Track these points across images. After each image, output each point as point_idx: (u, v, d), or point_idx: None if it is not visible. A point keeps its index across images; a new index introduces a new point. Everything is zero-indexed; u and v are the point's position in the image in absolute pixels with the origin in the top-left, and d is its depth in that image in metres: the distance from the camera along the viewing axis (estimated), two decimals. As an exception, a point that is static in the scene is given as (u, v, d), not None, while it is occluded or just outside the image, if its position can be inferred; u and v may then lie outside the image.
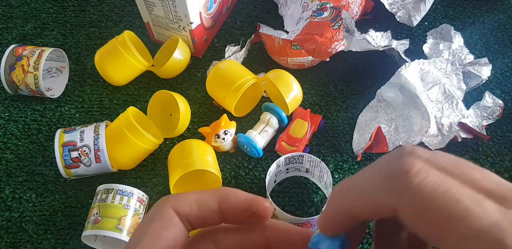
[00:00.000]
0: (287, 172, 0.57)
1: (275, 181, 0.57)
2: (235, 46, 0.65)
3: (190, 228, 0.21)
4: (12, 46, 0.63)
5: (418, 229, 0.15)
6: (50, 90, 0.65)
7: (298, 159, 0.55)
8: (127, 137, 0.54)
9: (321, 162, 0.53)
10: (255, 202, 0.20)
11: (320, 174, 0.55)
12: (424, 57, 0.63)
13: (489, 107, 0.61)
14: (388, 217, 0.17)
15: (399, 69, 0.58)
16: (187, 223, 0.20)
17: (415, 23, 0.69)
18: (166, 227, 0.19)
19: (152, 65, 0.67)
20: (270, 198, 0.53)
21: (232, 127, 0.57)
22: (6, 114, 0.64)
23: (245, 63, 0.68)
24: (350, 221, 0.18)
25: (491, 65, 0.62)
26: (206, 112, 0.64)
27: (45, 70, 0.66)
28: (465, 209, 0.14)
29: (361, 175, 0.18)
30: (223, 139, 0.56)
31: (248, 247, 0.21)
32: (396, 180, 0.16)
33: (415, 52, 0.68)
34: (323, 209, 0.20)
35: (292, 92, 0.59)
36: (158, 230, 0.19)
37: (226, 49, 0.65)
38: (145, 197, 0.53)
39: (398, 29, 0.73)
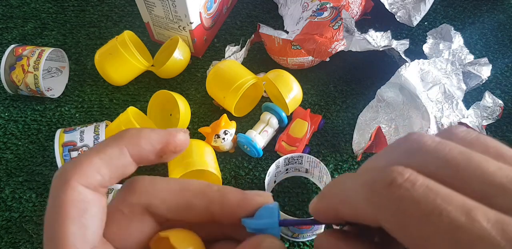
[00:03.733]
0: (287, 172, 0.57)
1: (274, 181, 0.57)
2: (235, 46, 0.65)
3: (108, 183, 0.18)
4: (12, 46, 0.63)
5: (402, 242, 0.14)
6: (50, 90, 0.65)
7: (297, 159, 0.55)
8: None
9: (321, 162, 0.53)
10: (169, 142, 0.19)
11: (320, 174, 0.55)
12: (424, 57, 0.63)
13: (489, 107, 0.61)
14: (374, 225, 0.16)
15: (399, 69, 0.58)
16: (101, 188, 0.18)
17: (415, 23, 0.69)
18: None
19: (152, 65, 0.67)
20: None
21: (232, 127, 0.57)
22: (6, 114, 0.64)
23: (245, 63, 0.68)
24: (339, 219, 0.17)
25: (491, 65, 0.62)
26: (206, 112, 0.64)
27: (45, 70, 0.66)
28: (449, 221, 0.13)
29: (348, 179, 0.17)
30: (223, 139, 0.56)
31: (187, 217, 0.19)
32: (377, 192, 0.15)
33: (415, 52, 0.68)
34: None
35: (292, 92, 0.59)
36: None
37: (226, 49, 0.65)
38: (145, 197, 0.53)
39: (398, 29, 0.73)
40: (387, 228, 0.15)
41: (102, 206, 0.18)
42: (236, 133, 0.58)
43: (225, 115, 0.57)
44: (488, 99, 0.61)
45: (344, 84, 0.67)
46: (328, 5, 0.64)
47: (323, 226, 0.52)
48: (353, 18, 0.63)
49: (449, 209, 0.13)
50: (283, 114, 0.59)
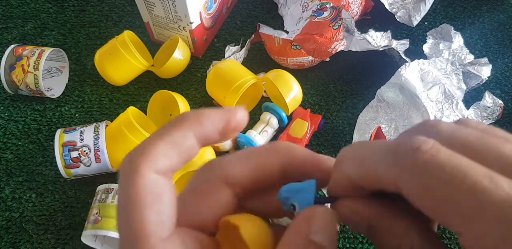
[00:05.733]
0: (287, 172, 0.57)
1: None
2: (235, 46, 0.65)
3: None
4: (12, 46, 0.63)
5: (422, 206, 0.14)
6: (50, 90, 0.65)
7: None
8: (127, 137, 0.54)
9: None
10: (230, 119, 0.19)
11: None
12: (424, 57, 0.63)
13: (489, 107, 0.61)
14: (390, 191, 0.16)
15: (399, 69, 0.58)
16: (170, 173, 0.18)
17: (415, 23, 0.69)
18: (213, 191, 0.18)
19: (152, 65, 0.67)
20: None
21: (232, 127, 0.57)
22: (6, 114, 0.64)
23: (245, 63, 0.68)
24: (354, 188, 0.17)
25: (491, 65, 0.62)
26: (206, 112, 0.64)
27: (45, 70, 0.66)
28: (473, 183, 0.13)
29: (369, 145, 0.17)
30: (223, 139, 0.56)
31: (263, 179, 0.19)
32: (401, 155, 0.15)
33: (415, 52, 0.68)
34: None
35: (292, 92, 0.59)
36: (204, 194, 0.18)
37: (226, 49, 0.65)
38: (145, 197, 0.53)
39: (398, 29, 0.73)
40: (407, 191, 0.15)
41: (173, 191, 0.18)
42: (236, 133, 0.58)
43: (225, 115, 0.57)
44: (488, 99, 0.61)
45: (344, 84, 0.67)
46: (328, 5, 0.64)
47: None
48: (353, 18, 0.63)
49: (473, 173, 0.13)
50: (283, 114, 0.59)
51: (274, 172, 0.19)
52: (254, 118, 0.63)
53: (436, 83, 0.59)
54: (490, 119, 0.61)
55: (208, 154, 0.55)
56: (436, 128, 0.16)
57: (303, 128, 0.59)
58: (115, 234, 0.48)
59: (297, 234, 0.17)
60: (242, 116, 0.19)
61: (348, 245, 0.52)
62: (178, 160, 0.18)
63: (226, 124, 0.19)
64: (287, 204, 0.18)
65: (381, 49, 0.61)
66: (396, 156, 0.15)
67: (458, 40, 0.64)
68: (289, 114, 0.60)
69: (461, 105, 0.59)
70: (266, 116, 0.59)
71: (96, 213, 0.50)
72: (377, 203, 0.18)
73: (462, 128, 0.15)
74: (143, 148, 0.17)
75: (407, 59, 0.60)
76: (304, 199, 0.18)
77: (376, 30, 0.63)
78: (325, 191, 0.19)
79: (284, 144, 0.19)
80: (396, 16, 0.69)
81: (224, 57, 0.65)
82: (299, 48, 0.62)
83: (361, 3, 0.69)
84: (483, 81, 0.62)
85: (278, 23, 0.74)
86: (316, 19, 0.63)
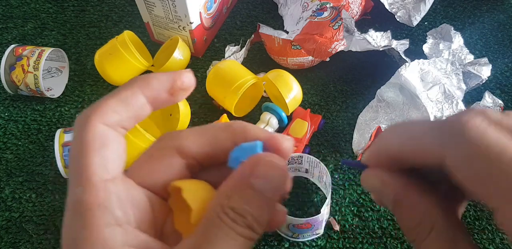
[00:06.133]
0: (287, 172, 0.57)
1: (275, 181, 0.57)
2: (235, 46, 0.65)
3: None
4: (12, 46, 0.63)
5: (464, 178, 0.15)
6: (50, 90, 0.65)
7: (297, 159, 0.55)
8: (126, 137, 0.54)
9: (320, 162, 0.53)
10: (176, 79, 0.20)
11: (320, 174, 0.55)
12: (424, 57, 0.63)
13: (489, 107, 0.61)
14: (432, 165, 0.16)
15: (399, 69, 0.58)
16: (120, 128, 0.20)
17: (415, 23, 0.69)
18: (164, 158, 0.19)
19: (152, 65, 0.67)
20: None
21: (232, 127, 0.57)
22: (6, 114, 0.64)
23: (245, 63, 0.68)
24: (390, 160, 0.18)
25: (491, 65, 0.62)
26: (206, 112, 0.64)
27: (45, 70, 0.66)
28: None
29: (417, 121, 0.17)
30: (223, 139, 0.56)
31: (216, 154, 0.20)
32: (450, 129, 0.15)
33: (415, 52, 0.68)
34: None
35: (292, 92, 0.59)
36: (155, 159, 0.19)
37: (226, 49, 0.65)
38: (145, 197, 0.53)
39: (398, 29, 0.73)
40: (451, 163, 0.15)
41: (122, 144, 0.19)
42: (236, 133, 0.58)
43: (225, 115, 0.57)
44: (488, 99, 0.61)
45: (344, 84, 0.67)
46: (328, 5, 0.64)
47: (323, 225, 0.52)
48: (353, 18, 0.63)
49: None
50: (283, 114, 0.59)
51: (227, 148, 0.20)
52: (254, 118, 0.63)
53: (436, 83, 0.59)
54: (490, 119, 0.61)
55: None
56: (484, 112, 0.16)
57: (303, 128, 0.59)
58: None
59: (238, 177, 0.17)
60: (188, 76, 0.21)
61: (348, 245, 0.52)
62: (127, 115, 0.19)
63: (172, 83, 0.20)
64: (237, 163, 0.19)
65: (381, 49, 0.61)
66: (443, 129, 0.15)
67: (458, 40, 0.64)
68: (289, 114, 0.60)
69: (461, 105, 0.59)
70: (266, 116, 0.59)
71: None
72: (405, 178, 0.18)
73: (509, 118, 0.16)
74: (96, 104, 0.19)
75: (407, 59, 0.60)
76: (253, 154, 0.18)
77: (376, 30, 0.63)
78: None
79: (240, 124, 0.20)
80: (396, 16, 0.69)
81: (224, 57, 0.65)
82: (299, 48, 0.62)
83: (361, 3, 0.69)
84: (483, 81, 0.62)
85: (278, 23, 0.74)
86: (316, 19, 0.63)
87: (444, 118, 0.18)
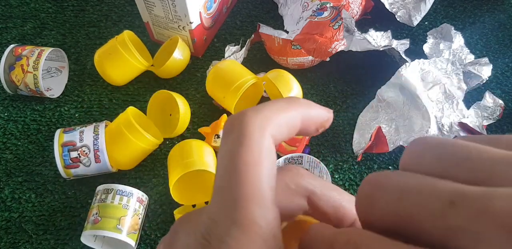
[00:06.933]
0: (287, 172, 0.57)
1: (275, 181, 0.57)
2: (235, 46, 0.65)
3: None
4: (12, 46, 0.62)
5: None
6: (50, 90, 0.65)
7: (297, 159, 0.55)
8: (126, 137, 0.54)
9: (320, 162, 0.53)
10: (330, 118, 0.19)
11: (320, 174, 0.55)
12: (425, 57, 0.63)
13: (489, 107, 0.61)
14: None
15: (399, 69, 0.58)
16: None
17: (415, 23, 0.69)
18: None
19: (152, 65, 0.67)
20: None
21: (232, 127, 0.57)
22: (6, 114, 0.64)
23: (245, 63, 0.68)
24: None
25: (491, 65, 0.62)
26: (206, 112, 0.64)
27: (44, 70, 0.66)
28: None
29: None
30: (223, 139, 0.56)
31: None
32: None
33: (415, 52, 0.68)
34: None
35: (292, 92, 0.59)
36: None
37: (226, 49, 0.65)
38: (144, 197, 0.53)
39: (398, 29, 0.73)
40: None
41: (275, 161, 0.18)
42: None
43: (225, 115, 0.57)
44: (489, 99, 0.61)
45: (344, 84, 0.67)
46: (328, 5, 0.64)
47: None
48: (353, 18, 0.63)
49: None
50: (283, 114, 0.58)
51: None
52: (254, 118, 0.63)
53: (437, 83, 0.59)
54: (490, 119, 0.60)
55: (208, 154, 0.55)
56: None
57: (303, 128, 0.59)
58: (114, 234, 0.48)
59: None
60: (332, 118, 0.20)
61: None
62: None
63: (327, 121, 0.19)
64: None
65: (381, 49, 0.61)
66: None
67: (458, 40, 0.64)
68: (289, 114, 0.60)
69: (462, 105, 0.59)
70: (266, 116, 0.59)
71: (96, 213, 0.50)
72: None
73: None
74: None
75: (408, 59, 0.60)
76: None
77: (376, 30, 0.63)
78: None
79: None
80: (396, 16, 0.69)
81: (224, 57, 0.65)
82: (299, 48, 0.62)
83: (361, 3, 0.69)
84: (484, 81, 0.62)
85: (278, 23, 0.74)
86: (316, 19, 0.63)
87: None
